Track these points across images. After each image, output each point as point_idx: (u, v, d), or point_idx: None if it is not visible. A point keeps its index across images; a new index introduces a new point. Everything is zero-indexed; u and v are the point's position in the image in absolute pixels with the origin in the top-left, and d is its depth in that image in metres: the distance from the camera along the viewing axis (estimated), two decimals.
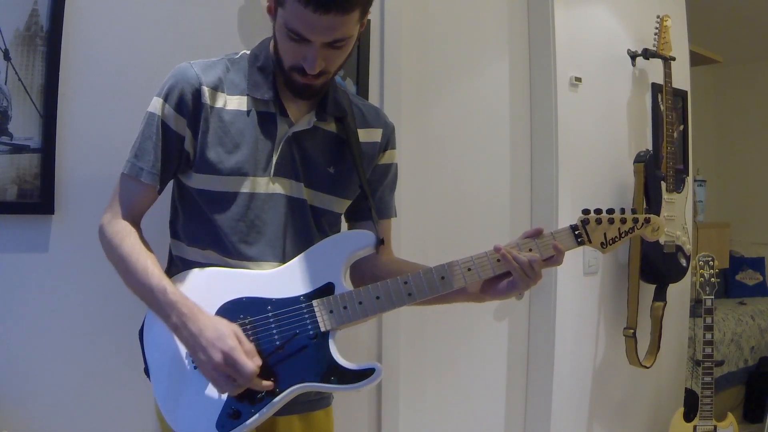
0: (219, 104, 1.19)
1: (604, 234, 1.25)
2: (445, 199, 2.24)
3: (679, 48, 2.82)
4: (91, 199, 1.50)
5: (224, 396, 1.10)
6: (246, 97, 1.21)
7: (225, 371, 1.05)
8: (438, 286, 1.20)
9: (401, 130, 2.04)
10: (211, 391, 1.11)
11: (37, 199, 1.45)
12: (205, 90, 1.18)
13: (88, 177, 1.51)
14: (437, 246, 2.17)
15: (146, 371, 1.19)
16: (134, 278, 1.13)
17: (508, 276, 1.22)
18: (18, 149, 1.43)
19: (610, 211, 1.26)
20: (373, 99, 1.97)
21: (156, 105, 1.18)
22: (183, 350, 1.13)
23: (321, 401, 1.31)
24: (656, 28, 2.63)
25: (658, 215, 2.50)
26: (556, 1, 2.36)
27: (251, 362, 1.06)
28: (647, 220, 1.27)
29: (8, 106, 1.42)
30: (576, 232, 1.24)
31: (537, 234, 1.23)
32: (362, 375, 1.14)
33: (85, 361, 1.51)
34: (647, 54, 2.62)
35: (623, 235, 1.26)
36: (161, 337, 1.15)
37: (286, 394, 1.12)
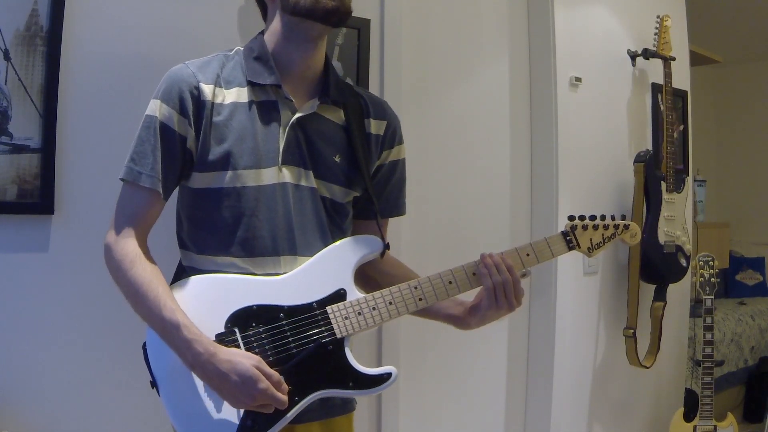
0: (218, 100, 1.17)
1: (590, 239, 1.31)
2: (445, 198, 2.24)
3: (679, 48, 2.82)
4: (91, 199, 1.50)
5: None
6: (245, 89, 1.19)
7: (258, 408, 1.06)
8: (446, 290, 1.22)
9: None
10: (227, 405, 1.09)
11: (37, 199, 1.45)
12: (204, 87, 1.16)
13: (88, 177, 1.51)
14: (437, 246, 2.17)
15: (153, 384, 1.15)
16: (145, 308, 1.09)
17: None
18: (18, 149, 1.43)
19: (593, 218, 1.31)
20: None
21: (153, 107, 1.15)
22: None
23: (343, 407, 1.28)
24: (656, 28, 2.63)
25: (658, 215, 2.51)
26: (556, 1, 2.36)
27: (283, 394, 1.07)
28: (626, 227, 1.34)
29: (8, 106, 1.42)
30: (567, 238, 1.29)
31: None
32: (379, 379, 1.15)
33: (86, 361, 1.52)
34: (647, 54, 2.62)
35: (606, 241, 1.32)
36: (168, 353, 1.11)
37: (305, 402, 1.12)
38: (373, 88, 1.96)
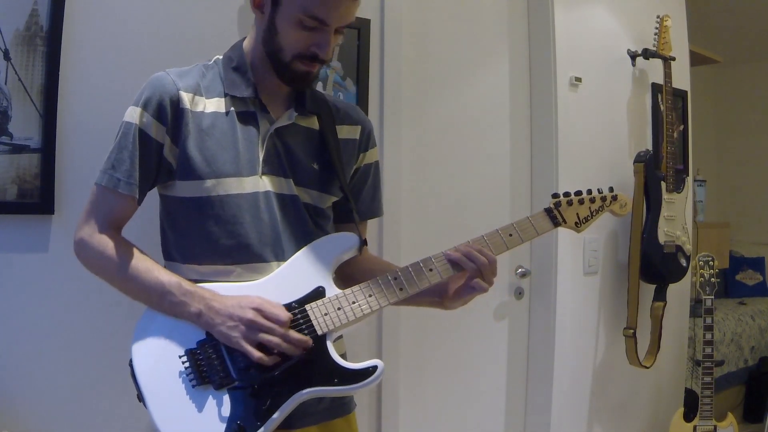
0: (199, 108, 1.18)
1: (577, 214, 1.30)
2: (445, 198, 2.24)
3: (679, 48, 2.82)
4: None
5: (226, 413, 1.08)
6: (224, 99, 1.20)
7: (259, 325, 1.07)
8: (427, 277, 1.21)
9: (401, 130, 2.04)
10: (213, 409, 1.09)
11: (37, 199, 1.45)
12: (184, 95, 1.17)
13: (88, 177, 1.50)
14: (437, 246, 2.16)
15: (140, 398, 1.14)
16: (138, 282, 1.13)
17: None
18: (18, 149, 1.44)
19: (578, 193, 1.31)
20: (373, 99, 1.97)
21: (133, 114, 1.16)
22: (179, 371, 1.11)
23: (341, 408, 1.27)
24: (656, 28, 2.63)
25: (658, 215, 2.51)
26: (556, 1, 2.37)
27: (282, 311, 1.09)
28: (614, 197, 1.34)
29: (8, 106, 1.42)
30: (551, 214, 1.29)
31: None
32: (364, 373, 1.13)
33: (85, 361, 1.52)
34: (647, 54, 2.62)
35: (594, 214, 1.32)
36: (155, 363, 1.12)
37: (289, 403, 1.11)
38: (373, 88, 1.96)
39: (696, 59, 3.46)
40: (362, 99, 1.94)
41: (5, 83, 1.42)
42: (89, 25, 1.51)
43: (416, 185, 2.14)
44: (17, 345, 1.45)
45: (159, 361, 1.12)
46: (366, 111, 1.95)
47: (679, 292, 2.87)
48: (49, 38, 1.46)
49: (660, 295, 2.60)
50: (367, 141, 1.36)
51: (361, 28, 1.92)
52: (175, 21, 1.63)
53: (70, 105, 1.49)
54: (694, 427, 2.56)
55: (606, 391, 2.59)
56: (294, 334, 1.10)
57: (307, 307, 1.16)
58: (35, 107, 1.45)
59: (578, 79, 2.43)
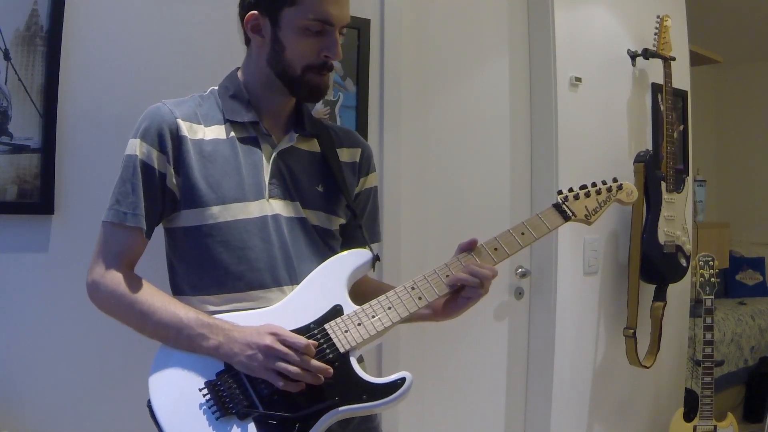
0: (198, 136, 1.17)
1: (585, 206, 1.31)
2: (445, 199, 2.24)
3: (679, 48, 2.82)
4: (91, 199, 1.50)
5: None
6: (223, 126, 1.19)
7: (277, 351, 1.05)
8: (444, 285, 1.20)
9: (401, 130, 2.04)
10: None
11: (37, 199, 1.46)
12: (182, 124, 1.16)
13: (88, 177, 1.51)
14: (437, 246, 2.16)
15: None
16: (155, 318, 1.10)
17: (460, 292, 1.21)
18: (18, 149, 1.44)
19: (584, 187, 1.32)
20: (373, 99, 1.97)
21: (133, 146, 1.14)
22: (200, 404, 1.08)
23: None
24: (656, 28, 2.63)
25: (658, 215, 2.51)
26: (556, 1, 2.37)
27: (300, 337, 1.07)
28: (620, 187, 1.35)
29: (8, 106, 1.42)
30: (560, 209, 1.29)
31: (472, 246, 1.23)
32: (393, 386, 1.10)
33: (85, 361, 1.52)
34: (647, 54, 2.62)
35: (602, 205, 1.33)
36: (175, 400, 1.09)
37: (320, 424, 1.07)
38: (373, 88, 1.97)
39: (696, 59, 3.46)
40: (362, 99, 1.94)
41: (5, 83, 1.42)
42: (89, 25, 1.52)
43: (416, 185, 2.14)
44: (17, 345, 1.45)
45: (179, 397, 1.09)
46: (366, 111, 1.95)
47: (679, 292, 2.87)
48: (49, 38, 1.46)
49: (660, 295, 2.60)
50: (367, 165, 1.36)
51: (361, 28, 1.92)
52: (175, 21, 1.63)
53: (70, 105, 1.49)
54: (694, 427, 2.56)
55: (606, 391, 2.59)
56: (314, 362, 1.07)
57: (327, 326, 1.14)
58: (35, 107, 1.45)
59: (578, 79, 2.43)
